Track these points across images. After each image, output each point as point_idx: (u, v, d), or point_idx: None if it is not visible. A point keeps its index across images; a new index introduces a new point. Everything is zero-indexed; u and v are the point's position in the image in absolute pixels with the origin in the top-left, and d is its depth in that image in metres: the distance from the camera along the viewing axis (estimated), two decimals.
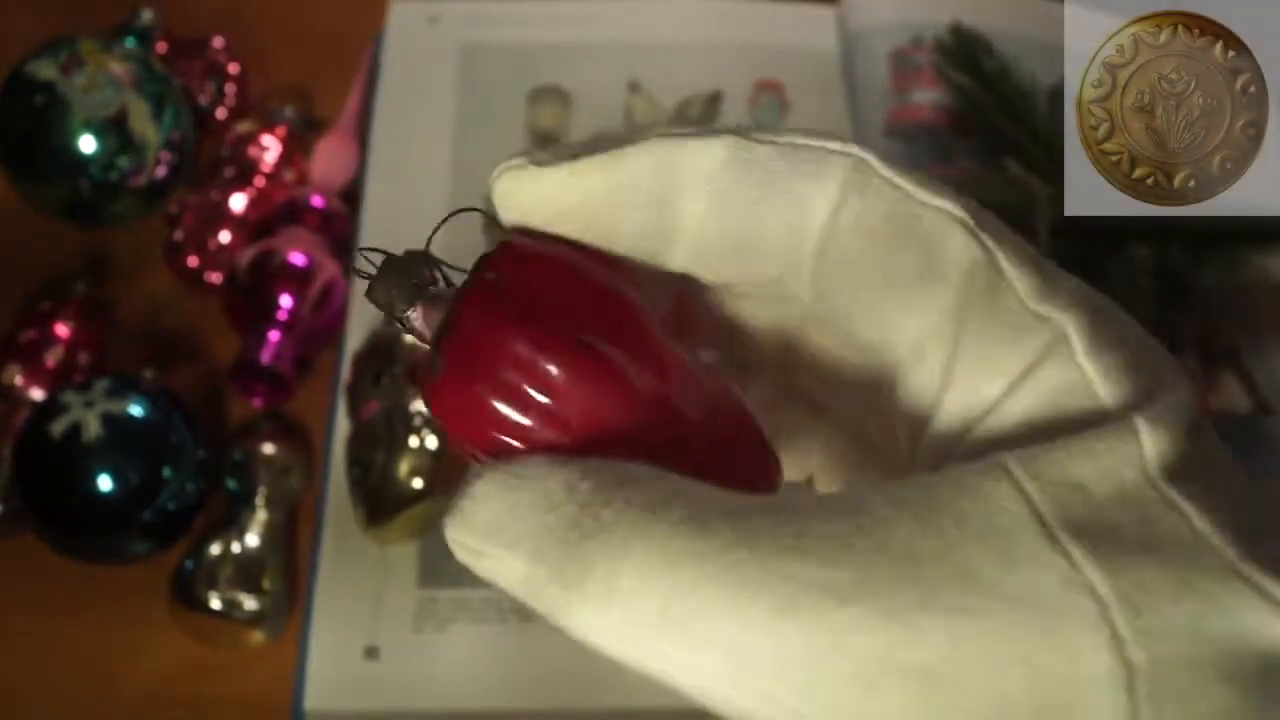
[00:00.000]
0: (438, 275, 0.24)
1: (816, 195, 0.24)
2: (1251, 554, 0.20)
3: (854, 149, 0.24)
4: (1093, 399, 0.22)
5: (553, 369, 0.22)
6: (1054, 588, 0.19)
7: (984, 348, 0.23)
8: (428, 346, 0.24)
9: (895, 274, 0.24)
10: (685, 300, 0.28)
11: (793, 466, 0.30)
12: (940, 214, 0.23)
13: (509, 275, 0.23)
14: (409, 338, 0.58)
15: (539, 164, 0.25)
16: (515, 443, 0.23)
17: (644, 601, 0.20)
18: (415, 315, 0.24)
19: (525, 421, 0.22)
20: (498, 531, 0.22)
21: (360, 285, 0.64)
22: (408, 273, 0.24)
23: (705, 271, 0.26)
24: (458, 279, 0.24)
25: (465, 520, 0.22)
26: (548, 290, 0.23)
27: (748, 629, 0.19)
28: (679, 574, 0.20)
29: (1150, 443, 0.21)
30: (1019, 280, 0.23)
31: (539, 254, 0.24)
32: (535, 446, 0.23)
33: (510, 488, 0.22)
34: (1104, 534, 0.20)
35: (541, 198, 0.25)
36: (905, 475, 0.23)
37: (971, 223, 0.23)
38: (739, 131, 0.25)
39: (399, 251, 0.25)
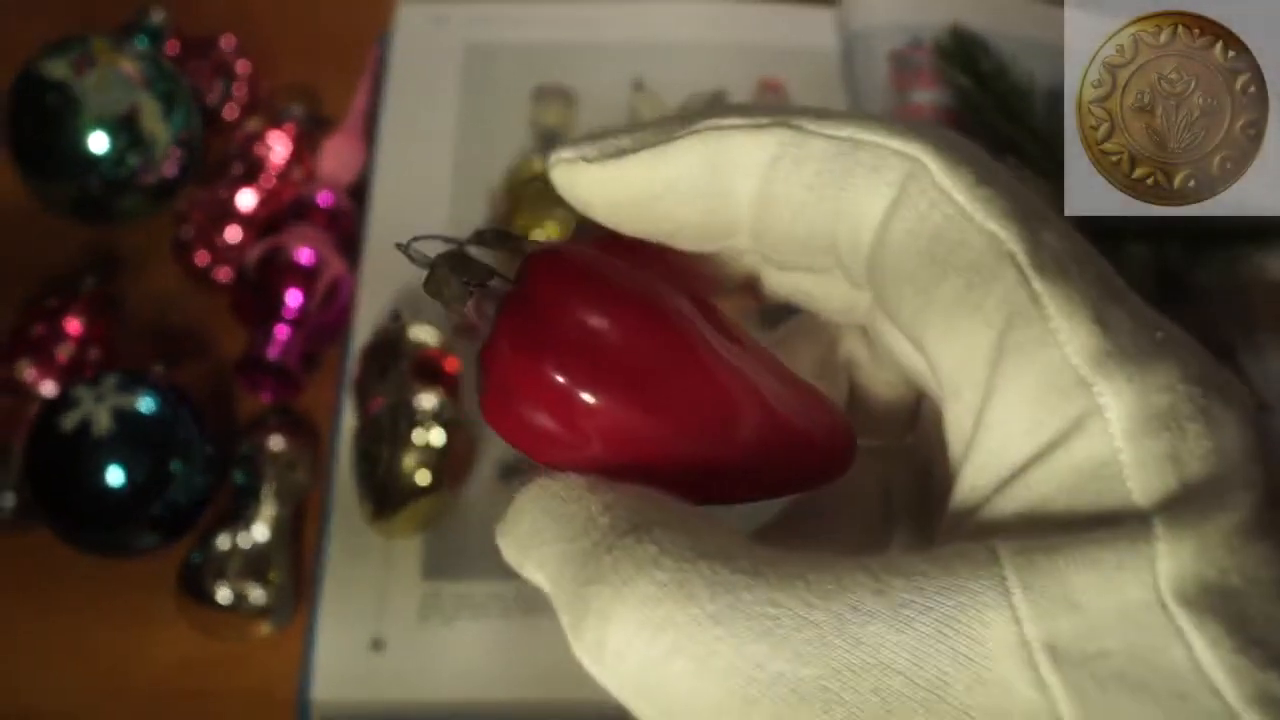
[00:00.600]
0: (490, 271, 0.24)
1: (868, 205, 0.23)
2: (1264, 695, 0.18)
3: (914, 146, 0.22)
4: (1122, 490, 0.20)
5: (588, 398, 0.22)
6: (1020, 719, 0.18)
7: (1016, 405, 0.21)
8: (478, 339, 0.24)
9: (935, 299, 0.22)
10: (748, 281, 0.27)
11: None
12: (992, 242, 0.21)
13: (551, 292, 0.23)
14: (414, 335, 0.59)
15: (588, 160, 0.25)
16: (561, 454, 0.23)
17: (620, 666, 0.20)
18: (470, 309, 0.24)
19: (564, 439, 0.23)
20: (529, 549, 0.22)
21: (367, 282, 0.65)
22: (458, 269, 0.24)
23: (767, 258, 0.26)
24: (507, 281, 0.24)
25: (508, 530, 0.23)
26: (587, 312, 0.23)
27: (717, 712, 0.19)
28: (653, 648, 0.20)
29: (1167, 556, 0.19)
30: (1069, 334, 0.20)
31: (583, 265, 0.24)
32: (578, 460, 0.23)
33: (544, 508, 0.22)
34: (1089, 664, 0.18)
35: (594, 192, 0.25)
36: (941, 518, 0.23)
37: (1025, 258, 0.21)
38: (792, 122, 0.23)
39: (456, 240, 0.25)
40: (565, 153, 0.25)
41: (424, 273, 0.25)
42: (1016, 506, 0.21)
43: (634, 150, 0.24)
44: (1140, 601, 0.18)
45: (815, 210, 0.23)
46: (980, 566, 0.19)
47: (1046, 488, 0.20)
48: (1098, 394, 0.20)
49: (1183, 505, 0.19)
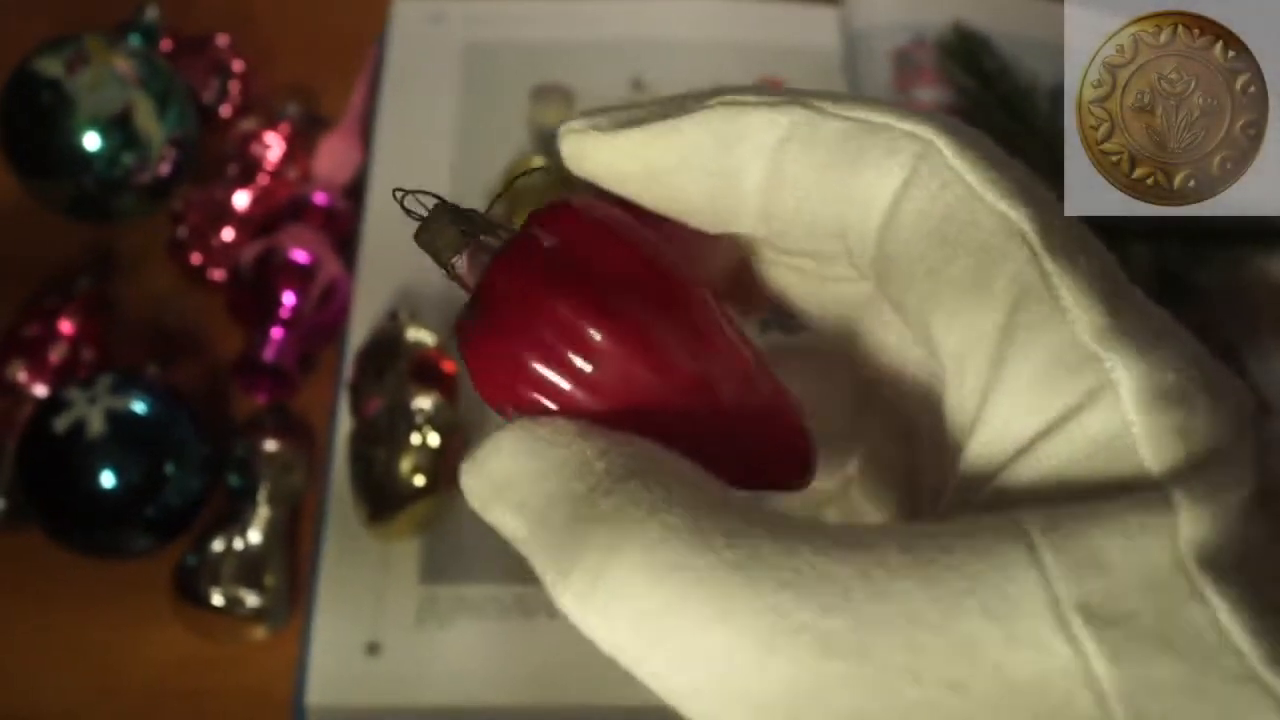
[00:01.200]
0: (489, 226, 0.24)
1: (879, 186, 0.23)
2: None
3: (926, 129, 0.22)
4: (1135, 460, 0.20)
5: (594, 334, 0.22)
6: (1055, 677, 0.18)
7: (1026, 380, 0.21)
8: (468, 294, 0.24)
9: (945, 279, 0.22)
10: (746, 272, 0.27)
11: (830, 468, 0.29)
12: (1003, 222, 0.21)
13: (560, 235, 0.23)
14: (411, 336, 0.58)
15: (599, 129, 0.24)
16: (547, 402, 0.22)
17: (622, 608, 0.19)
18: (460, 262, 0.24)
19: (559, 383, 0.22)
20: (507, 489, 0.21)
21: (364, 283, 0.64)
22: (457, 220, 0.24)
23: (771, 244, 0.25)
24: (507, 236, 0.24)
25: (480, 468, 0.22)
26: (596, 256, 0.23)
27: (730, 659, 0.19)
28: (662, 588, 0.19)
29: (1188, 523, 0.19)
30: (1080, 312, 0.20)
31: (592, 217, 0.23)
32: (566, 409, 0.22)
33: (529, 449, 0.21)
34: (1120, 622, 0.18)
35: (604, 162, 0.25)
36: (939, 505, 0.22)
37: (1037, 238, 0.21)
38: (806, 102, 0.23)
39: (448, 199, 0.24)
40: (576, 123, 0.25)
41: (422, 231, 0.24)
42: (1029, 478, 0.20)
43: (646, 121, 0.24)
44: (1165, 564, 0.19)
45: (825, 192, 0.23)
46: (1005, 530, 0.19)
47: (1058, 460, 0.20)
48: (1109, 368, 0.20)
49: (1195, 476, 0.19)
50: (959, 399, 0.22)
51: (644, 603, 0.19)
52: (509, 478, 0.21)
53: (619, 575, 0.19)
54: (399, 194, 0.24)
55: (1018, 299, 0.21)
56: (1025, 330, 0.21)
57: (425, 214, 0.24)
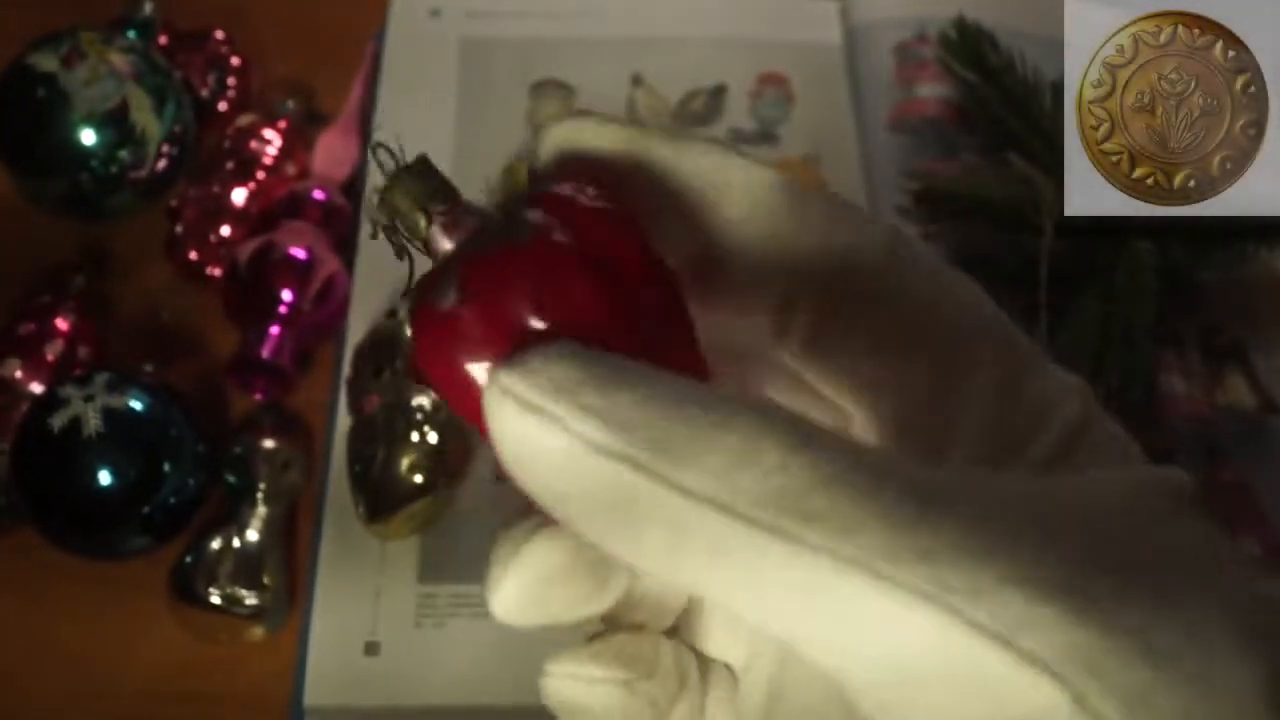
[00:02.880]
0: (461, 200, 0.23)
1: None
2: None
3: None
4: None
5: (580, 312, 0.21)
6: None
7: None
8: (430, 261, 0.23)
9: None
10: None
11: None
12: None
13: (562, 220, 0.22)
14: (409, 332, 0.58)
15: (601, 120, 0.25)
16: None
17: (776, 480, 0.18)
18: (435, 230, 0.23)
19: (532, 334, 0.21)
20: (572, 392, 0.19)
21: (362, 280, 0.64)
22: (438, 183, 0.23)
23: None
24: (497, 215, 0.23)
25: (529, 371, 0.20)
26: (596, 241, 0.22)
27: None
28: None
29: None
30: None
31: (594, 206, 0.22)
32: None
33: (594, 359, 0.20)
34: None
35: (601, 142, 0.24)
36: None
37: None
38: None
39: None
40: (576, 116, 0.25)
41: (395, 186, 0.24)
42: None
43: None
44: None
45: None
46: None
47: None
48: None
49: None
50: None
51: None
52: (572, 381, 0.19)
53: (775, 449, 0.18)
54: (373, 145, 0.23)
55: None
56: None
57: (395, 168, 0.23)
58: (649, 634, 0.27)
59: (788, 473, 0.18)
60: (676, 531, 0.19)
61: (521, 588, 0.24)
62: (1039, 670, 0.17)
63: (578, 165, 0.25)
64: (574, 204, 0.22)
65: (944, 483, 0.19)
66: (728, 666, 0.28)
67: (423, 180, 0.23)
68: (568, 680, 0.25)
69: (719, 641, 0.27)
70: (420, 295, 0.22)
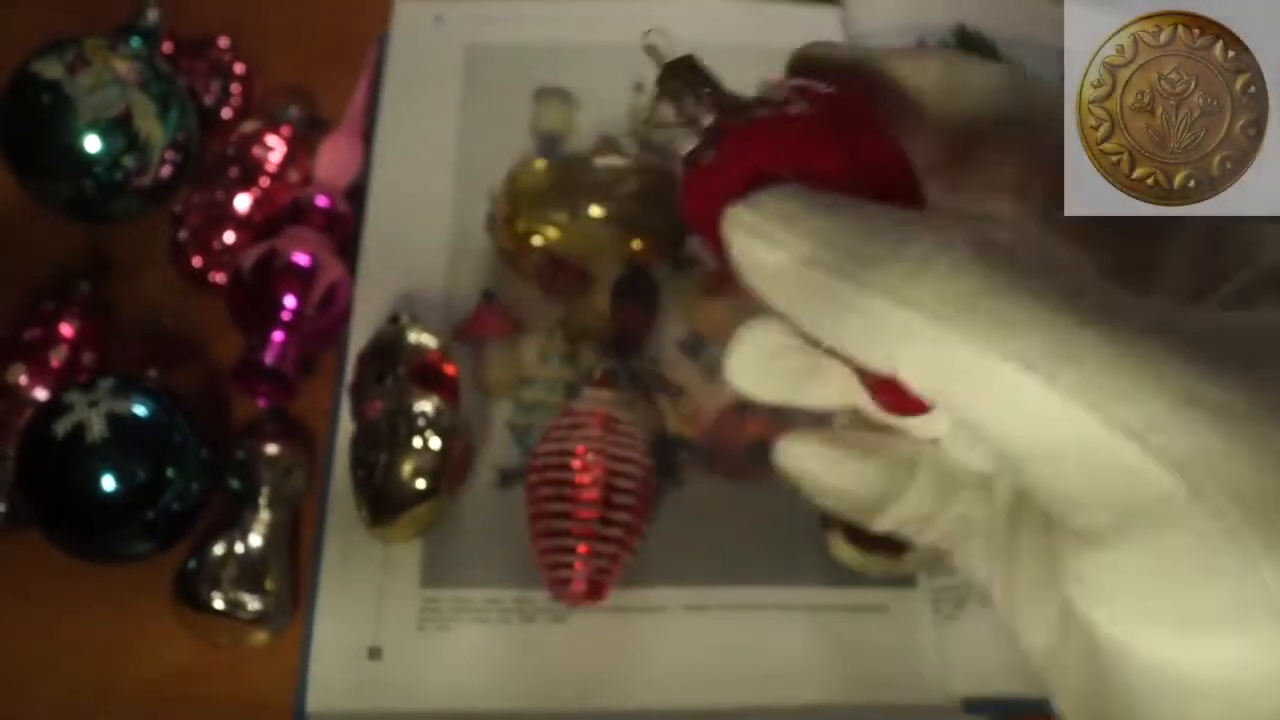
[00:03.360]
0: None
1: None
2: None
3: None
4: None
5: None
6: None
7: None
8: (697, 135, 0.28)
9: None
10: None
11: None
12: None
13: (799, 98, 0.27)
14: (412, 339, 0.58)
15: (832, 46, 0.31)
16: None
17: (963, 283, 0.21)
18: (701, 109, 0.28)
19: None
20: (791, 219, 0.24)
21: (365, 285, 0.64)
22: (696, 73, 0.29)
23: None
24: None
25: (757, 205, 0.24)
26: (826, 113, 0.27)
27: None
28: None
29: None
30: None
31: (818, 90, 0.27)
32: None
33: (807, 194, 0.24)
34: None
35: (840, 56, 0.31)
36: None
37: None
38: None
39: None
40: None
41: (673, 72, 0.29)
42: None
43: None
44: None
45: None
46: None
47: None
48: None
49: None
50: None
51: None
52: (792, 213, 0.24)
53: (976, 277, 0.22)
54: (646, 33, 0.30)
55: None
56: None
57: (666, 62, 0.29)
58: (890, 435, 0.30)
59: (958, 279, 0.22)
60: (870, 319, 0.23)
61: (745, 356, 0.28)
62: (1165, 465, 0.20)
63: (818, 68, 0.30)
64: (808, 89, 0.27)
65: (1119, 301, 0.22)
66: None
67: (691, 71, 0.29)
68: (795, 445, 0.29)
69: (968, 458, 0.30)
70: (689, 157, 0.28)
